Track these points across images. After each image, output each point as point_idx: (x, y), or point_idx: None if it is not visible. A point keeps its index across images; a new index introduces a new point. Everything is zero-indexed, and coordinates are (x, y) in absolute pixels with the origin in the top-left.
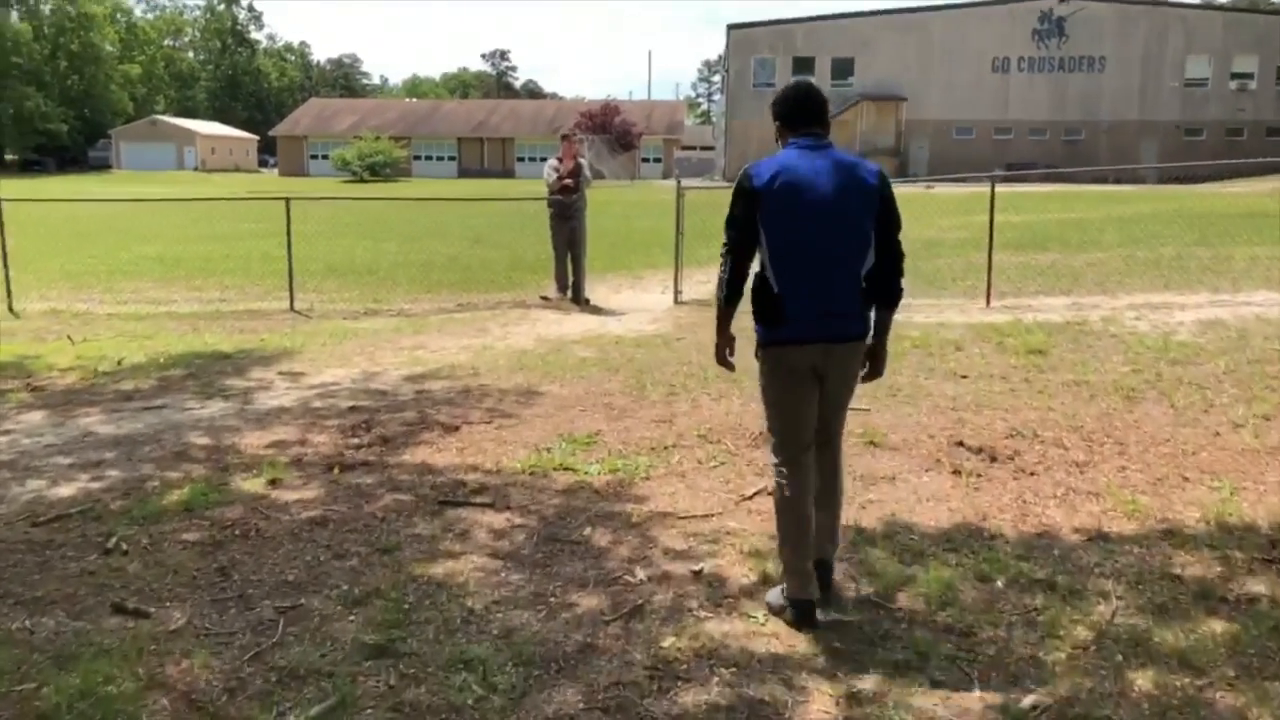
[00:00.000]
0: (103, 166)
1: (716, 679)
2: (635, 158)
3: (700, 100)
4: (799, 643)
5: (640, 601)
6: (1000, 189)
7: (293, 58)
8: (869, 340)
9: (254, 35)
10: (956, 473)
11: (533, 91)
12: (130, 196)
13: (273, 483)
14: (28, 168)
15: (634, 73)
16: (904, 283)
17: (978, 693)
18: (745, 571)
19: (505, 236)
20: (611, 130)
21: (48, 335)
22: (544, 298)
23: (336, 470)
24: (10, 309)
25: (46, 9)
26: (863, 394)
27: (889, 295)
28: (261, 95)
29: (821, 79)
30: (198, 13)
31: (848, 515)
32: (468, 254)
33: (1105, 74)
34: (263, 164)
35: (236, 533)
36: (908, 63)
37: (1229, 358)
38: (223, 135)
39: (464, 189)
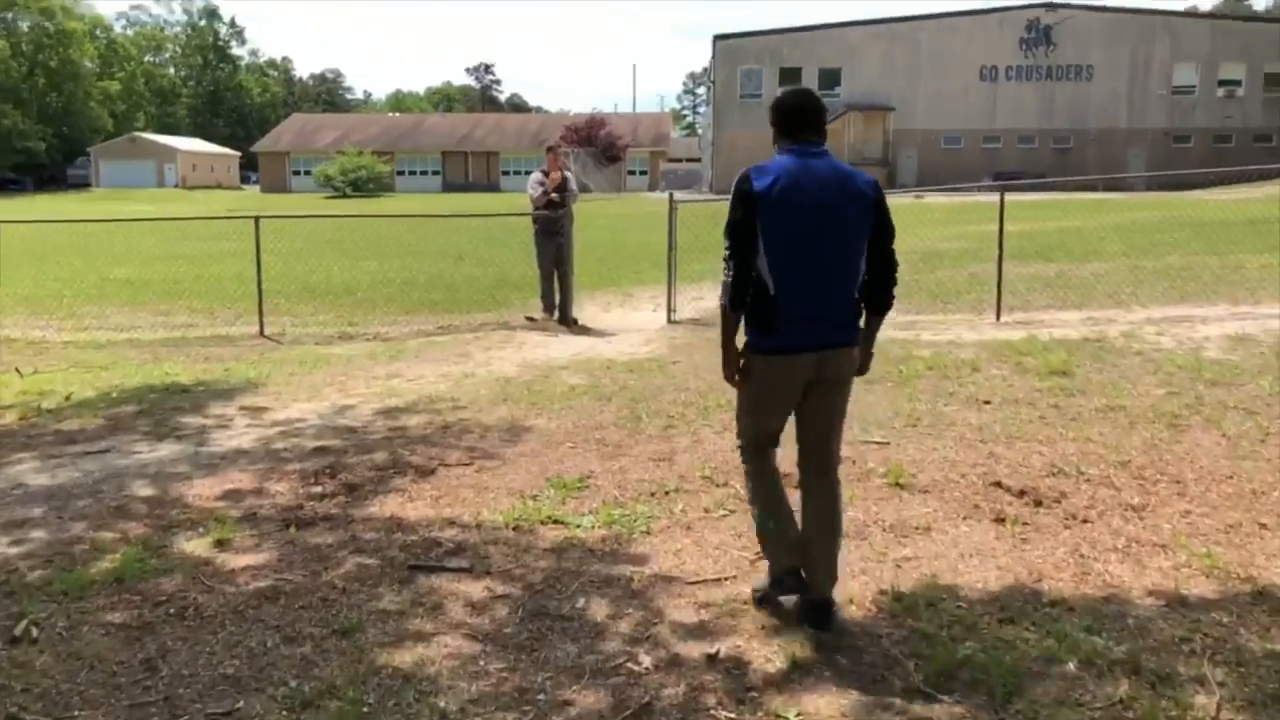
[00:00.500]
0: (82, 185)
1: None
2: (621, 170)
3: (685, 112)
4: None
5: (647, 699)
6: (990, 198)
7: (275, 73)
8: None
9: (236, 51)
10: (999, 520)
11: (517, 105)
12: (98, 216)
13: (220, 544)
14: (4, 187)
15: (619, 86)
16: (911, 297)
17: None
18: (769, 655)
19: (490, 252)
20: (597, 143)
21: None
22: (529, 318)
23: (293, 528)
24: None
25: (24, 25)
26: (881, 425)
27: (881, 303)
28: (244, 111)
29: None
30: (179, 29)
31: (882, 575)
32: (450, 272)
33: (1093, 82)
34: (245, 180)
35: (171, 611)
36: (895, 72)
37: (1272, 378)
38: (204, 152)
39: (448, 204)
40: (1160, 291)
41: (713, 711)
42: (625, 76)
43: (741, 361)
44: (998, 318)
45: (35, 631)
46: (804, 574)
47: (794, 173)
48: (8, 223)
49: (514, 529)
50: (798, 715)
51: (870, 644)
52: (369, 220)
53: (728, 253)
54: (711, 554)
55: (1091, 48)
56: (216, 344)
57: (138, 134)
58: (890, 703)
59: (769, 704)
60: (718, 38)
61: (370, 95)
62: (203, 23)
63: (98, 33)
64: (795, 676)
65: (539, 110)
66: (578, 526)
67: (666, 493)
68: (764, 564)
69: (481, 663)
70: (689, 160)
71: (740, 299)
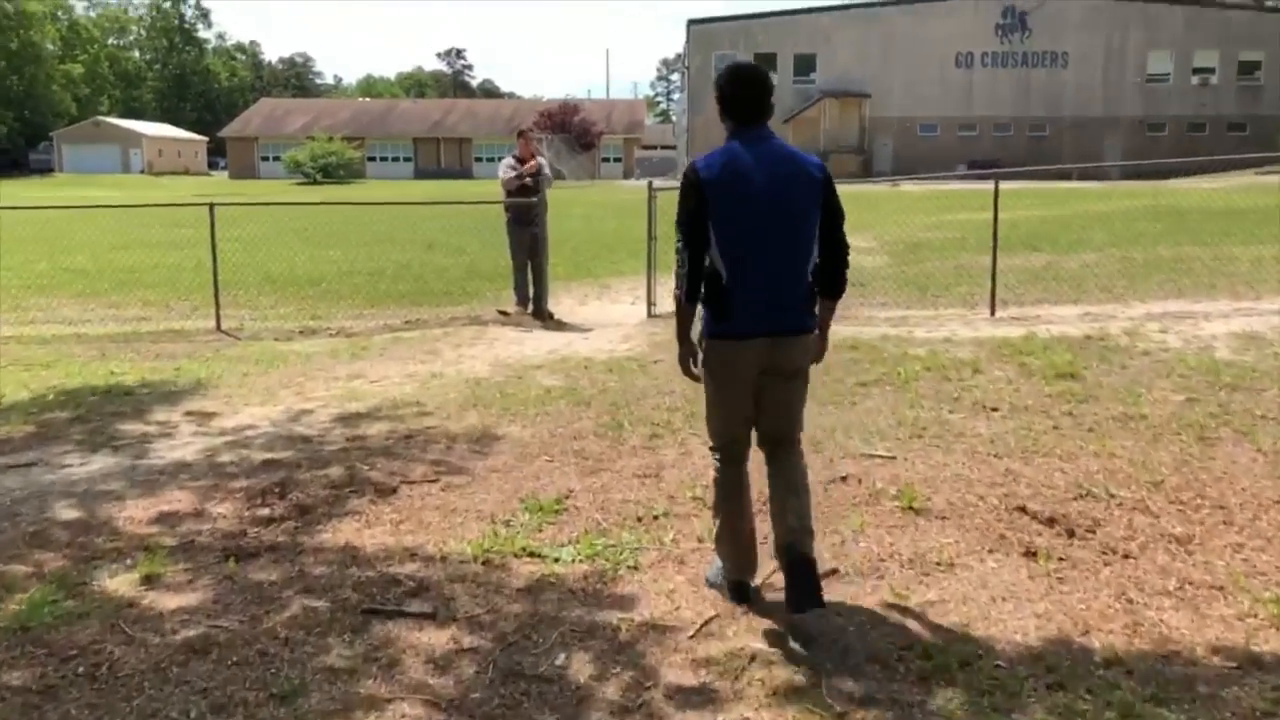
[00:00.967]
0: (45, 170)
1: None
2: (595, 157)
3: (659, 99)
4: None
5: None
6: (968, 186)
7: (243, 57)
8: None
9: (202, 34)
10: (1030, 554)
11: (489, 91)
12: (52, 203)
13: (148, 581)
14: None
15: (592, 72)
16: (900, 290)
17: None
18: None
19: (461, 240)
20: (571, 129)
21: None
22: (502, 312)
23: (233, 561)
24: None
25: None
26: (883, 436)
27: (833, 287)
28: (211, 95)
29: (783, 75)
30: (143, 10)
31: (906, 625)
32: (420, 261)
33: (1069, 69)
34: (213, 166)
35: (81, 670)
36: (870, 59)
37: None
38: (170, 137)
39: (420, 190)
40: (1156, 285)
41: None
42: (599, 63)
43: (700, 353)
44: (992, 313)
45: None
46: (785, 537)
47: (740, 159)
48: None
49: (484, 562)
50: None
51: (902, 718)
52: (336, 207)
53: (680, 244)
54: (708, 594)
55: (1067, 34)
56: (170, 339)
57: (102, 118)
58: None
59: None
60: (691, 22)
61: (341, 80)
62: (167, 4)
63: (59, 14)
64: None
65: (511, 96)
66: (555, 560)
67: (655, 517)
68: (773, 603)
69: None
70: (664, 147)
71: (694, 290)
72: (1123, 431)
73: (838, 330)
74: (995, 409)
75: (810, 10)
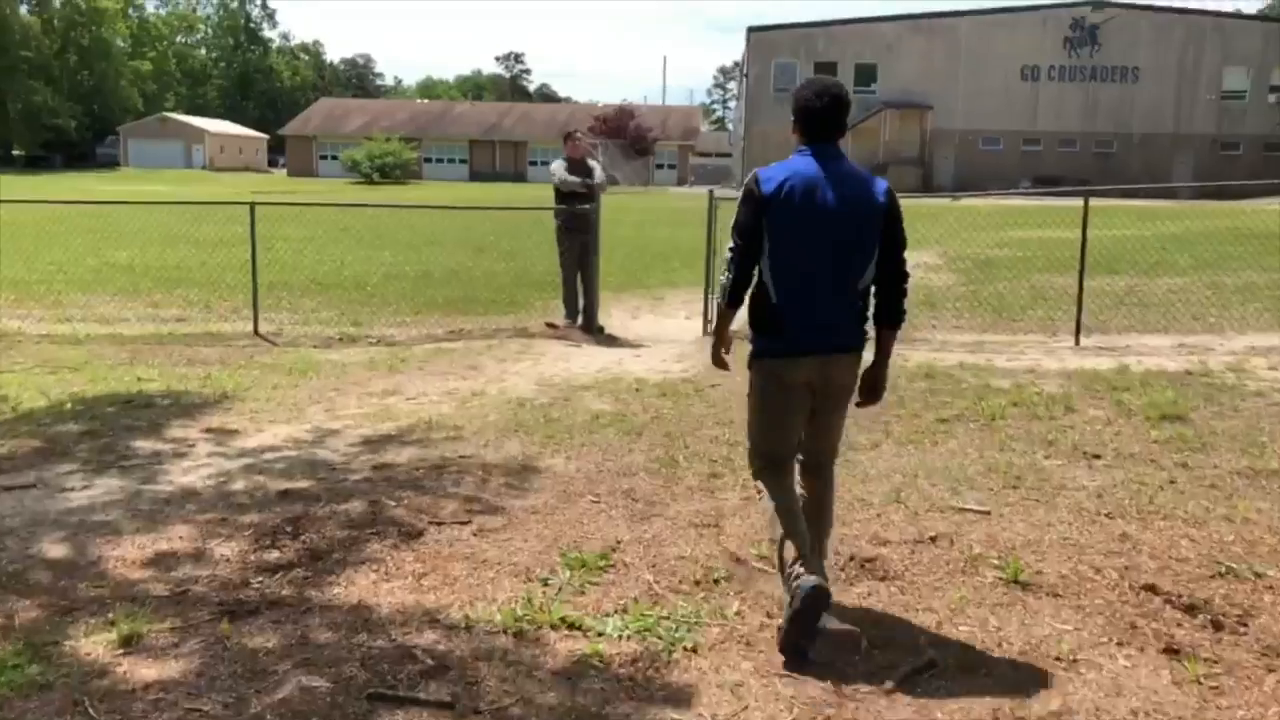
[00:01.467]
0: (110, 163)
1: None
2: (649, 163)
3: (715, 107)
4: None
5: None
6: (1031, 201)
7: (306, 57)
8: (869, 360)
9: (267, 33)
10: (1171, 651)
11: (546, 95)
12: (107, 198)
13: (127, 643)
14: (34, 163)
15: (648, 78)
16: (974, 312)
17: None
18: None
19: (513, 244)
20: (626, 134)
21: None
22: (550, 325)
23: (227, 621)
24: None
25: (56, 2)
26: (974, 485)
27: (892, 316)
28: (274, 94)
29: (844, 85)
30: (210, 9)
31: None
32: (470, 265)
33: (1139, 85)
34: (272, 164)
35: None
36: (933, 70)
37: None
38: (232, 134)
39: (474, 192)
40: (1253, 314)
41: None
42: (655, 69)
43: (750, 370)
44: (1076, 341)
45: None
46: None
47: (805, 176)
48: (16, 202)
49: (515, 634)
50: None
51: None
52: (388, 208)
53: (731, 252)
54: (782, 691)
55: (1138, 49)
56: (205, 342)
57: (167, 114)
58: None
59: None
60: (752, 30)
61: (401, 81)
62: (234, 4)
63: (130, 12)
64: None
65: (568, 101)
66: (600, 635)
67: (716, 581)
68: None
69: None
70: (718, 155)
71: (737, 297)
72: (1252, 490)
73: (909, 354)
74: (1097, 455)
75: (873, 19)
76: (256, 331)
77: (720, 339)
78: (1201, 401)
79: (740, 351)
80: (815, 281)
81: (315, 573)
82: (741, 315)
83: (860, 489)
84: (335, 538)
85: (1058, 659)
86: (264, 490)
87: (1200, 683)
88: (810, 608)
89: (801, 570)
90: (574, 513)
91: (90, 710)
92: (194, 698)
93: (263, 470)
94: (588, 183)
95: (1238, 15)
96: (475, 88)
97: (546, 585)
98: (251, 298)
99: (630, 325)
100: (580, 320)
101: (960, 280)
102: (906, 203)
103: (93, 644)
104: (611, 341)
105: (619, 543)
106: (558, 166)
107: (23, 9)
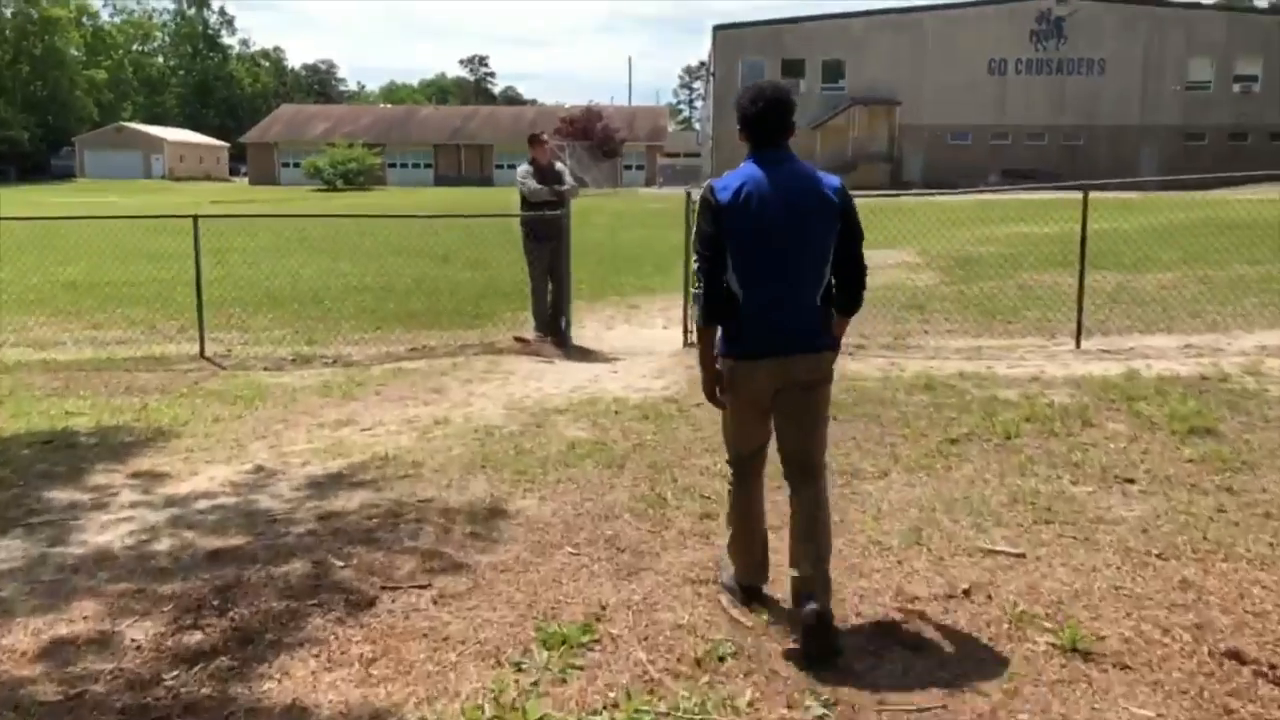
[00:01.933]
0: (66, 175)
1: None
2: (618, 165)
3: (681, 107)
4: None
5: None
6: (1001, 197)
7: (267, 64)
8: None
9: (226, 40)
10: None
11: (511, 99)
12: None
13: None
14: None
15: (614, 80)
16: (965, 314)
17: None
18: None
19: (480, 252)
20: (594, 136)
21: None
22: (519, 339)
23: None
24: None
25: (8, 12)
26: (999, 520)
27: (849, 305)
28: (234, 101)
29: (811, 82)
30: (167, 17)
31: None
32: (434, 275)
33: (1105, 76)
34: (234, 172)
35: None
36: (901, 65)
37: None
38: (192, 142)
39: (440, 197)
40: (1253, 310)
41: None
42: (620, 70)
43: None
44: (1077, 344)
45: None
46: (799, 586)
47: (758, 181)
48: None
49: None
50: None
51: None
52: (350, 218)
53: (698, 265)
54: None
55: (1103, 41)
56: (146, 367)
57: (124, 124)
58: None
59: None
60: (718, 28)
61: (364, 86)
62: (192, 11)
63: (84, 20)
64: None
65: (534, 103)
66: None
67: (721, 659)
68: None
69: None
70: (686, 155)
71: (714, 313)
72: None
73: (905, 363)
74: (1130, 480)
75: (840, 16)
76: (203, 354)
77: (709, 370)
78: (1227, 412)
79: None
80: (777, 283)
81: (243, 661)
82: None
83: (874, 528)
84: (270, 611)
85: None
86: (191, 550)
87: None
88: (816, 633)
89: (743, 573)
90: (550, 569)
91: None
92: None
93: (192, 524)
94: (557, 189)
95: (1201, 6)
96: (440, 91)
97: (520, 671)
98: (197, 318)
99: (605, 336)
100: (550, 333)
101: (944, 280)
102: (880, 201)
103: None
104: (585, 355)
105: (604, 607)
106: (524, 173)
107: None
